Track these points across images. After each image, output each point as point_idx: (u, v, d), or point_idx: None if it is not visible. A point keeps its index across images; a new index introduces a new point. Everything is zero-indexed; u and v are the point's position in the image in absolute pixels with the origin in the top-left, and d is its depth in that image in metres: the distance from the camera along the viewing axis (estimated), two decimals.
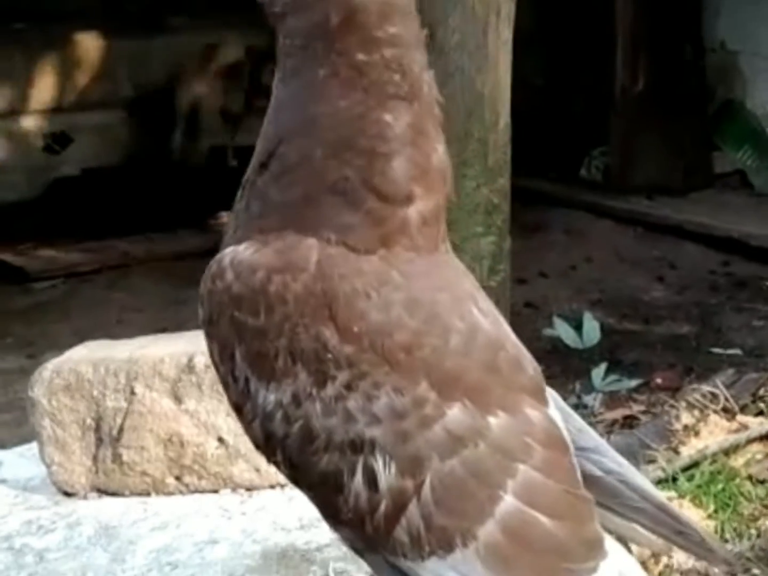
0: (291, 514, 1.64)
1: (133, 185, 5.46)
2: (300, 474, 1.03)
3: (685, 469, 2.85)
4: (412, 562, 1.01)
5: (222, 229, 4.22)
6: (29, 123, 5.44)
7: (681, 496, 2.71)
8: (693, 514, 2.57)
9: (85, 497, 1.72)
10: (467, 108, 2.94)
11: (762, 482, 2.76)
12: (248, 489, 1.72)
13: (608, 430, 3.19)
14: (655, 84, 5.19)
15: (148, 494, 1.71)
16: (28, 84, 5.35)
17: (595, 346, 3.79)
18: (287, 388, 0.99)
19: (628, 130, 5.31)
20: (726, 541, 2.57)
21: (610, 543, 1.08)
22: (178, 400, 1.68)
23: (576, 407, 3.16)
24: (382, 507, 0.99)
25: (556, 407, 1.09)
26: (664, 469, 2.83)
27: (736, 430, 3.05)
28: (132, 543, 1.60)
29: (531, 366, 1.07)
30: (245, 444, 1.69)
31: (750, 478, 2.82)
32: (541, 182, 5.14)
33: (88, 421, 1.69)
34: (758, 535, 2.57)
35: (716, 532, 2.58)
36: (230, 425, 1.68)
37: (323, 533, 1.56)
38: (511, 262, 3.13)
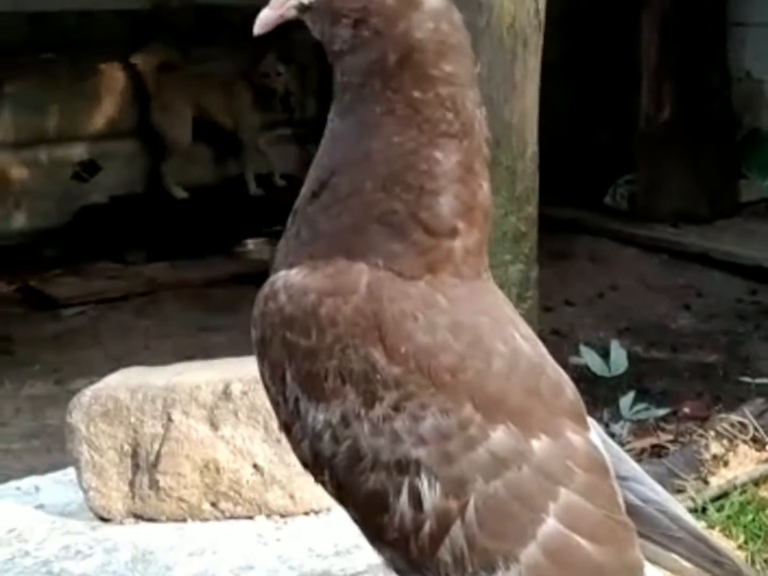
0: (326, 541, 1.65)
1: (159, 212, 5.51)
2: (346, 493, 1.04)
3: (714, 500, 2.83)
4: None
5: (247, 256, 4.23)
6: (58, 152, 5.49)
7: (711, 527, 2.69)
8: None
9: (121, 523, 1.73)
10: (495, 136, 2.93)
11: None
12: (283, 515, 1.73)
13: (637, 459, 3.18)
14: (680, 112, 5.20)
15: (184, 520, 1.72)
16: (58, 113, 5.41)
17: (622, 375, 3.78)
18: (336, 409, 1.01)
19: (653, 158, 5.32)
20: (756, 572, 2.56)
21: (649, 571, 1.09)
22: (214, 426, 1.69)
23: None
24: (427, 527, 1.00)
25: (598, 435, 1.10)
26: (693, 499, 2.81)
27: (766, 461, 3.03)
28: (169, 569, 1.62)
29: (571, 391, 1.09)
30: (280, 471, 1.71)
31: None
32: (567, 210, 5.15)
33: (126, 447, 1.70)
34: None
35: (746, 563, 2.57)
36: (266, 452, 1.69)
37: (359, 560, 1.57)
38: (538, 290, 3.15)
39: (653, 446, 3.31)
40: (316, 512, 1.72)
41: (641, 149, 5.36)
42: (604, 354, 3.84)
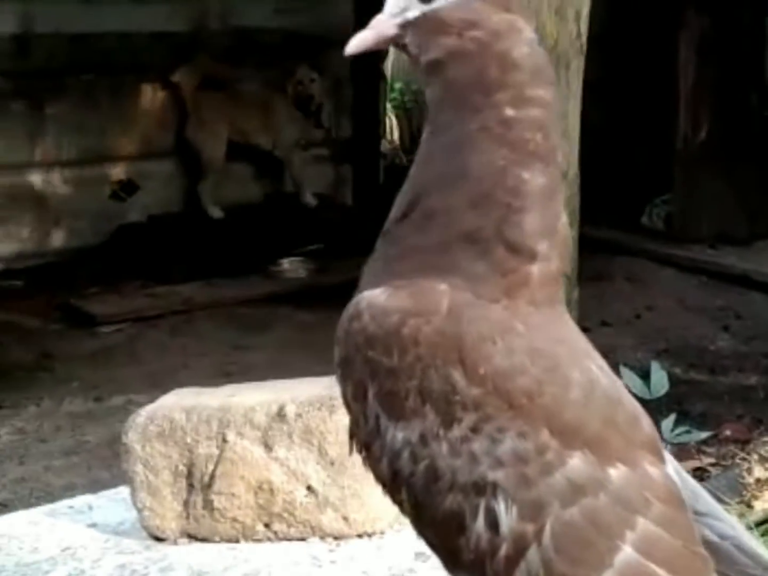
0: (380, 564, 1.65)
1: (196, 231, 5.54)
2: (423, 513, 1.04)
3: (759, 524, 2.81)
4: None
5: (282, 276, 4.23)
6: (97, 171, 5.55)
7: None
8: None
9: (175, 542, 1.74)
10: None
11: None
12: (336, 538, 1.74)
13: None
14: (718, 132, 5.18)
15: (238, 541, 1.73)
16: (97, 133, 5.47)
17: (662, 397, 3.76)
18: (416, 428, 1.02)
19: (690, 178, 5.30)
20: None
21: None
22: (268, 448, 1.70)
23: None
24: (503, 550, 1.00)
25: (675, 471, 1.10)
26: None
27: None
28: None
29: (647, 424, 1.09)
30: (334, 492, 1.71)
31: None
32: (604, 230, 5.13)
33: (180, 467, 1.71)
34: None
35: None
36: (319, 474, 1.70)
37: None
38: (578, 311, 3.14)
39: (695, 469, 3.29)
40: (370, 535, 1.72)
41: (678, 169, 5.34)
42: (644, 375, 3.82)
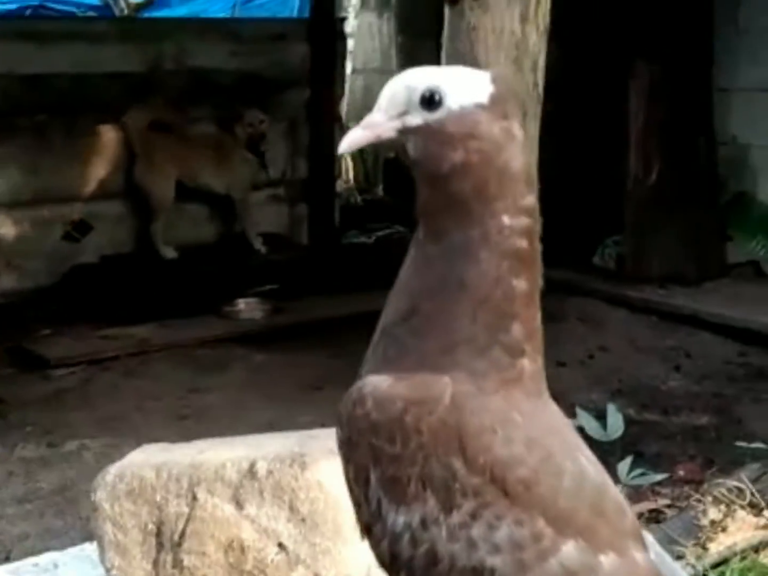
0: None
1: (149, 272, 5.52)
2: None
3: (714, 566, 2.84)
4: None
5: (238, 316, 4.22)
6: (50, 212, 5.51)
7: None
8: None
9: None
10: None
11: None
12: None
13: None
14: (668, 175, 5.28)
15: None
16: (50, 174, 5.43)
17: (617, 438, 3.79)
18: (416, 512, 1.05)
19: (641, 219, 5.39)
20: None
21: None
22: (239, 505, 1.70)
23: None
24: None
25: (654, 553, 1.15)
26: (693, 566, 2.82)
27: (764, 526, 3.04)
28: None
29: (630, 512, 1.14)
30: (305, 550, 1.71)
31: None
32: (558, 271, 5.18)
33: (150, 525, 1.70)
34: None
35: None
36: (290, 531, 1.70)
37: None
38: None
39: (650, 511, 3.32)
40: None
41: (629, 211, 5.43)
42: (599, 416, 3.86)
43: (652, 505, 3.35)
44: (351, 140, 1.12)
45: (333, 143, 6.24)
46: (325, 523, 1.65)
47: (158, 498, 1.70)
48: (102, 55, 5.49)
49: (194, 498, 1.69)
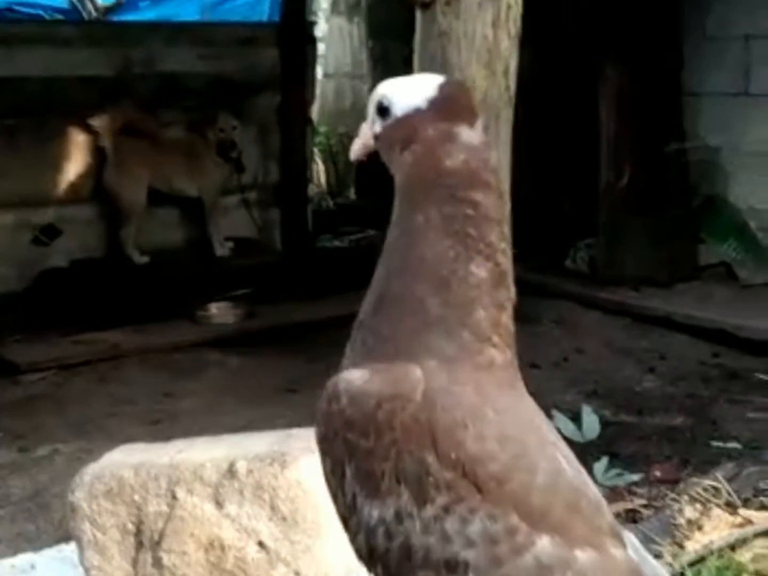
0: None
1: (120, 276, 5.48)
2: None
3: (691, 564, 2.85)
4: None
5: (211, 320, 4.19)
6: (18, 216, 5.46)
7: None
8: None
9: None
10: None
11: None
12: None
13: None
14: (639, 178, 5.32)
15: None
16: (18, 177, 5.38)
17: (593, 439, 3.80)
18: (390, 506, 1.06)
19: (613, 222, 5.42)
20: None
21: None
22: (219, 504, 1.68)
23: None
24: None
25: (634, 551, 1.15)
26: (671, 565, 2.83)
27: (740, 525, 3.06)
28: None
29: (608, 512, 1.15)
30: (285, 548, 1.70)
31: (757, 573, 2.82)
32: (532, 274, 5.20)
33: (129, 525, 1.68)
34: None
35: None
36: (271, 530, 1.68)
37: None
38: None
39: (627, 511, 3.32)
40: None
41: (601, 214, 5.46)
42: (575, 418, 3.86)
43: (628, 505, 3.36)
44: (355, 151, 1.28)
45: (304, 147, 6.25)
46: (305, 521, 1.64)
47: (137, 498, 1.68)
48: (71, 59, 5.45)
49: (174, 497, 1.67)
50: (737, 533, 2.97)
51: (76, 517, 1.70)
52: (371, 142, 1.25)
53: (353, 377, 1.12)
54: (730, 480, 3.23)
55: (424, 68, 2.89)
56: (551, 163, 5.73)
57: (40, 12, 6.83)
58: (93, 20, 7.01)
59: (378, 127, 1.23)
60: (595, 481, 3.48)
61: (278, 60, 6.01)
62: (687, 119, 5.51)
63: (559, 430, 3.87)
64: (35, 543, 2.78)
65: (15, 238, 5.44)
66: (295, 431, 1.89)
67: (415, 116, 1.18)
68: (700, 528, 3.07)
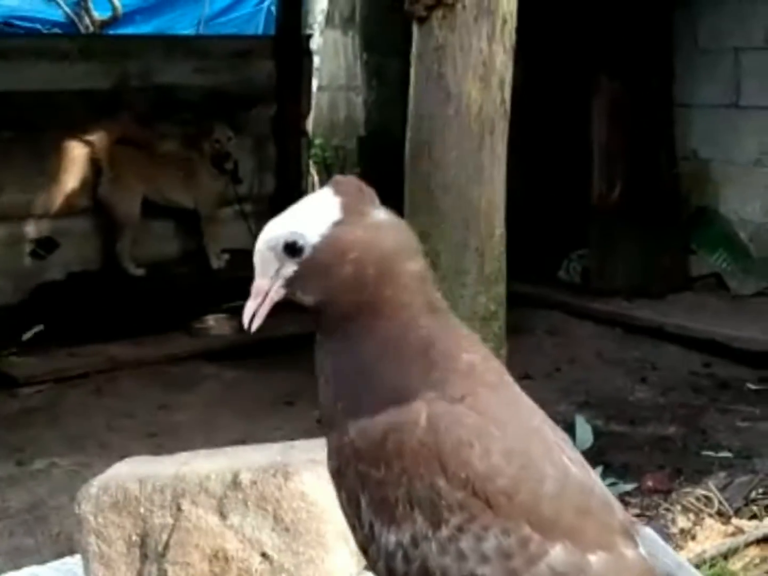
0: None
1: (117, 289, 5.50)
2: None
3: None
4: None
5: (207, 332, 4.19)
6: (16, 229, 5.48)
7: None
8: None
9: None
10: (464, 219, 3.04)
11: None
12: None
13: None
14: (631, 190, 5.36)
15: None
16: (15, 190, 5.41)
17: (586, 450, 3.83)
18: (406, 531, 1.10)
19: (605, 234, 5.46)
20: None
21: None
22: (223, 516, 1.71)
23: None
24: None
25: (656, 544, 1.18)
26: None
27: (732, 534, 3.08)
28: None
29: (619, 509, 1.18)
30: (288, 559, 1.73)
31: None
32: (524, 285, 5.24)
33: (134, 537, 1.71)
34: None
35: None
36: (274, 541, 1.72)
37: None
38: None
39: None
40: None
41: (593, 225, 5.50)
42: (568, 428, 3.89)
43: None
44: (255, 317, 1.21)
45: (300, 159, 6.28)
46: (309, 532, 1.67)
47: (142, 510, 1.71)
48: (68, 72, 5.49)
49: (179, 509, 1.70)
50: (729, 542, 3.00)
51: (82, 530, 1.73)
52: (280, 293, 1.20)
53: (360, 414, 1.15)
54: (721, 489, 3.25)
55: (420, 82, 2.94)
56: (544, 174, 5.77)
57: (38, 26, 6.87)
58: (90, 34, 7.05)
59: (290, 270, 1.19)
60: None
61: (274, 72, 6.05)
62: (678, 131, 5.56)
63: None
64: (33, 557, 2.79)
65: (12, 251, 5.46)
66: (298, 443, 1.92)
67: (337, 230, 1.17)
68: (693, 537, 3.10)
